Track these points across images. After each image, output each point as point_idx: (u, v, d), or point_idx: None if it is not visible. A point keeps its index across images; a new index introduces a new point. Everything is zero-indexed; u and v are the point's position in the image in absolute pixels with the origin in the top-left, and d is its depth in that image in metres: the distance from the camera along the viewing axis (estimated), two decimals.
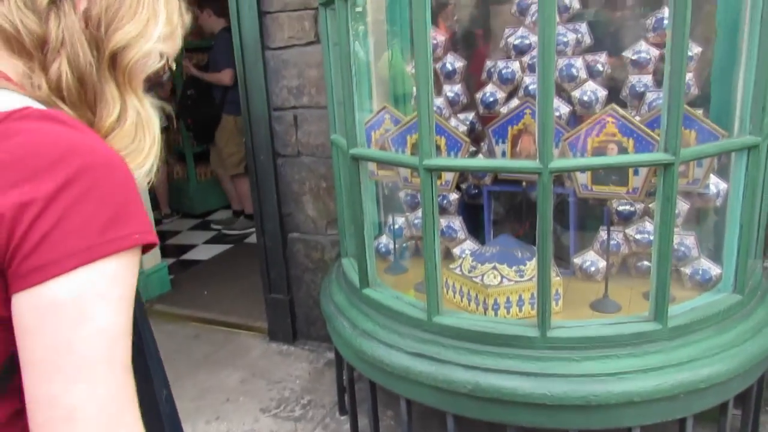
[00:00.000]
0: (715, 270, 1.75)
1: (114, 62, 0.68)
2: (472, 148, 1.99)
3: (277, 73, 2.63)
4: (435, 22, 2.24)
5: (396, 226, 2.19)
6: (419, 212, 2.16)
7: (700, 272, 1.76)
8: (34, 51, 0.64)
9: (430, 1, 1.42)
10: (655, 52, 1.86)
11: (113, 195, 0.60)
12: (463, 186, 2.19)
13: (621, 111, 1.60)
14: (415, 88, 2.24)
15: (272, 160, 2.71)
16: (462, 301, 1.78)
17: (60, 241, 0.56)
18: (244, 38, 2.61)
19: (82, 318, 0.57)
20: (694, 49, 1.78)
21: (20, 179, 0.56)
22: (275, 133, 2.69)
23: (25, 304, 0.57)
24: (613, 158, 1.55)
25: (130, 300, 0.61)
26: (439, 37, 2.12)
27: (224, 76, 4.31)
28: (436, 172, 1.55)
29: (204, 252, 4.57)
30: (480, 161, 1.92)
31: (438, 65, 2.14)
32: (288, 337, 2.96)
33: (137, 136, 0.71)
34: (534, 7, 2.01)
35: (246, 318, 3.23)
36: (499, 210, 2.18)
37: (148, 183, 0.75)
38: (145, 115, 0.72)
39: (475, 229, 2.17)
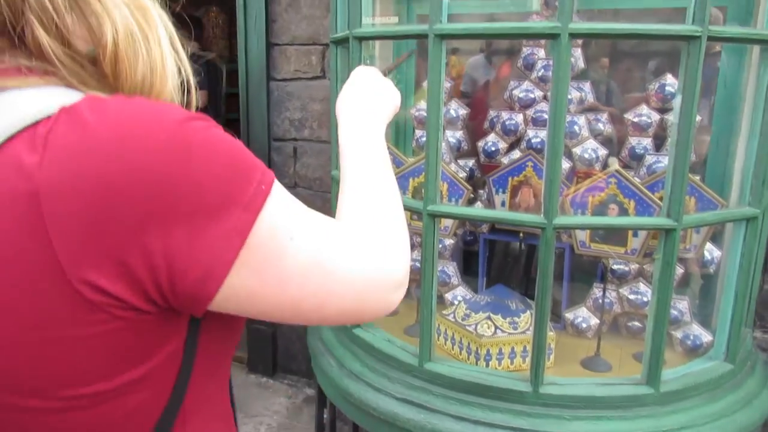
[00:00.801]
0: (706, 336, 1.76)
1: None
2: (472, 196, 2.00)
3: (280, 105, 2.64)
4: None
5: None
6: (414, 255, 2.15)
7: (692, 337, 1.77)
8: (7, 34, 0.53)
9: (445, 54, 1.44)
10: (656, 117, 1.90)
11: (216, 154, 0.52)
12: (459, 232, 2.19)
13: (624, 173, 1.62)
14: (417, 131, 2.27)
15: None
16: (453, 348, 1.77)
17: (205, 241, 0.50)
18: (250, 67, 2.63)
19: (284, 280, 0.57)
20: None
21: (115, 223, 0.47)
22: (273, 164, 2.69)
23: (220, 310, 0.55)
24: (617, 219, 1.57)
25: (303, 216, 0.60)
26: (445, 83, 2.15)
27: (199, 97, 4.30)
28: (438, 218, 1.56)
29: None
30: (484, 211, 1.93)
31: (443, 110, 2.16)
32: (268, 369, 2.91)
33: (139, 41, 0.56)
34: (540, 63, 2.05)
35: None
36: (494, 258, 2.18)
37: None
38: (138, 4, 0.57)
39: (467, 275, 2.17)
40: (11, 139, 0.48)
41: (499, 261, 2.23)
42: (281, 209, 0.57)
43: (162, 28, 0.58)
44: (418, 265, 1.63)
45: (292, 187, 2.67)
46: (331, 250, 0.61)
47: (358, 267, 0.63)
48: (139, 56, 0.55)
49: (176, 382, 0.58)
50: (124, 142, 0.48)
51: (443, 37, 1.40)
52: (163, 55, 0.57)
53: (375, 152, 0.82)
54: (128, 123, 0.49)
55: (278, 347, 2.89)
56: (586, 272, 2.07)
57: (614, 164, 1.95)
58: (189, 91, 0.62)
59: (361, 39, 1.64)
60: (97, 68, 0.55)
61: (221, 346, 0.64)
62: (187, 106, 0.62)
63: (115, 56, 0.54)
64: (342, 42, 1.85)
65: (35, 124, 0.49)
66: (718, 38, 1.35)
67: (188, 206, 0.49)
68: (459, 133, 2.19)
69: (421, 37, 1.43)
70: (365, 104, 0.89)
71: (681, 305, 1.79)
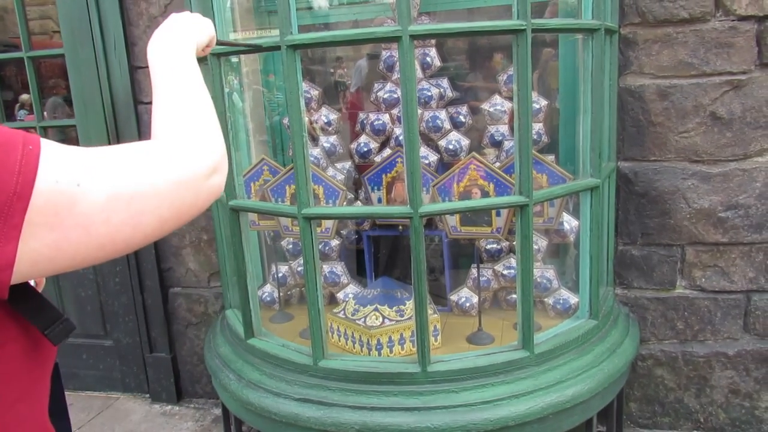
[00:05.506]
0: (573, 299, 1.93)
1: None
2: (350, 196, 2.07)
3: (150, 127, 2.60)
4: (309, 76, 2.34)
5: (280, 275, 2.22)
6: (302, 260, 2.20)
7: (561, 301, 1.94)
8: None
9: (300, 59, 1.50)
10: (508, 105, 2.05)
11: None
12: (344, 232, 2.26)
13: (481, 158, 1.75)
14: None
15: None
16: (347, 343, 1.83)
17: None
18: (114, 93, 2.57)
19: (85, 224, 0.58)
20: (542, 102, 1.99)
21: None
22: None
23: (35, 275, 0.58)
24: (475, 202, 1.70)
25: (85, 160, 0.60)
26: (312, 91, 2.21)
27: None
28: (315, 220, 1.61)
29: None
30: (355, 208, 2.01)
31: (314, 117, 2.22)
32: (172, 396, 2.85)
33: None
34: (398, 64, 2.16)
35: (124, 380, 3.06)
36: (379, 253, 2.27)
37: None
38: None
39: (359, 273, 2.25)
40: None
41: (385, 255, 2.32)
42: (58, 162, 0.59)
43: None
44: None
45: None
46: (128, 173, 0.63)
47: (163, 176, 0.65)
48: None
49: None
50: None
51: (295, 47, 1.47)
52: None
53: (181, 67, 0.83)
54: None
55: (180, 372, 2.84)
56: (466, 255, 2.20)
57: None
58: None
59: (219, 55, 1.67)
60: None
61: (27, 374, 0.65)
62: None
63: None
64: (203, 60, 1.87)
65: None
66: (542, 30, 1.51)
67: None
68: (333, 138, 2.26)
69: (274, 49, 1.48)
70: (172, 32, 0.89)
71: (548, 274, 1.96)
